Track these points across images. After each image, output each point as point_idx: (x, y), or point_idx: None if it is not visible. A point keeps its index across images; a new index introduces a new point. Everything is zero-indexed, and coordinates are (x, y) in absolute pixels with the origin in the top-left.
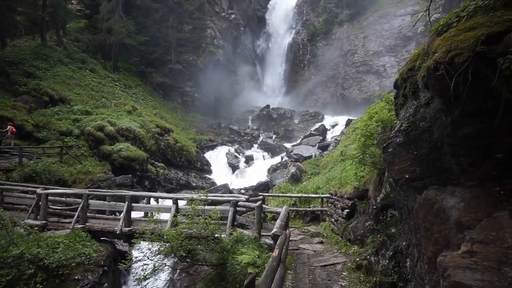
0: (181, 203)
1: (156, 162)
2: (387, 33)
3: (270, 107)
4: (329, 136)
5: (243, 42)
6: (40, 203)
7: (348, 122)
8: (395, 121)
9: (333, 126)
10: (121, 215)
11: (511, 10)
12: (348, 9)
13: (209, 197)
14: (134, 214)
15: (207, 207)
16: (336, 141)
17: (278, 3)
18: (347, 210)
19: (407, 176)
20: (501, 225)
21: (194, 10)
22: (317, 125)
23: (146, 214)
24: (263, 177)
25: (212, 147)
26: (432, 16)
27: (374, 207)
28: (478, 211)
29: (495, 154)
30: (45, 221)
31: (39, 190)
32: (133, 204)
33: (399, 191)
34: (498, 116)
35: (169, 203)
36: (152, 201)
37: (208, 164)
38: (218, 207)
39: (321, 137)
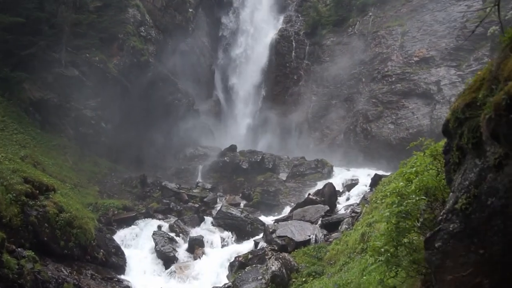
0: None
1: (19, 249)
2: (443, 27)
3: (237, 150)
4: (342, 204)
5: (193, 34)
6: None
7: (376, 179)
8: (448, 191)
9: (348, 187)
10: None
11: None
12: None
13: None
14: None
15: None
16: (353, 214)
17: None
18: None
19: None
20: None
21: None
22: (320, 185)
23: None
24: (220, 279)
25: (128, 222)
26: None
27: None
28: None
29: None
30: None
31: None
32: None
33: None
34: None
35: None
36: None
37: (119, 253)
38: None
39: (327, 207)
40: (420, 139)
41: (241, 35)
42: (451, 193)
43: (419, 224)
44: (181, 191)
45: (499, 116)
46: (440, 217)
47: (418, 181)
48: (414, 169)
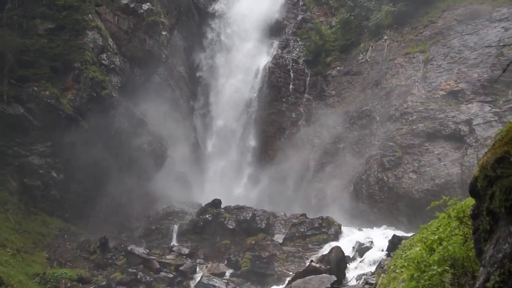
0: None
1: None
2: (475, 54)
3: (221, 206)
4: (352, 273)
5: (167, 62)
6: None
7: (394, 242)
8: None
9: (360, 252)
10: None
11: None
12: (393, 2)
13: None
14: None
15: None
16: (367, 285)
17: None
18: None
19: None
20: None
21: None
22: (325, 249)
23: None
24: None
25: None
26: None
27: None
28: None
29: None
30: None
31: None
32: None
33: None
34: None
35: None
36: None
37: None
38: None
39: (334, 277)
40: (444, 198)
41: (225, 61)
42: (481, 268)
43: None
44: (151, 257)
45: None
46: None
47: (442, 250)
48: (437, 236)
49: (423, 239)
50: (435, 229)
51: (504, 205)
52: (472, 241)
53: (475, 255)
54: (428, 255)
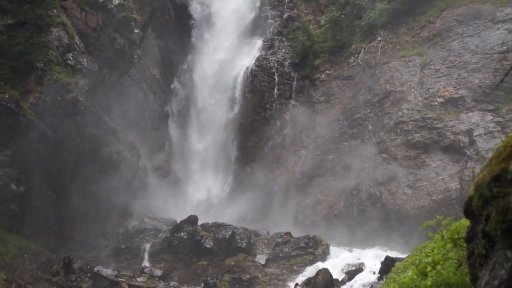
0: None
1: None
2: (476, 58)
3: (198, 223)
4: None
5: (140, 63)
6: None
7: (388, 264)
8: None
9: (350, 274)
10: None
11: None
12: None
13: None
14: None
15: None
16: None
17: None
18: None
19: None
20: None
21: None
22: (311, 271)
23: None
24: None
25: None
26: None
27: None
28: None
29: None
30: None
31: None
32: None
33: None
34: None
35: None
36: None
37: None
38: None
39: None
40: (437, 217)
41: (205, 63)
42: None
43: None
44: (120, 279)
45: None
46: None
47: (435, 275)
48: (431, 258)
49: (416, 261)
50: (430, 251)
51: (501, 227)
52: (467, 268)
53: (468, 284)
54: (420, 280)
